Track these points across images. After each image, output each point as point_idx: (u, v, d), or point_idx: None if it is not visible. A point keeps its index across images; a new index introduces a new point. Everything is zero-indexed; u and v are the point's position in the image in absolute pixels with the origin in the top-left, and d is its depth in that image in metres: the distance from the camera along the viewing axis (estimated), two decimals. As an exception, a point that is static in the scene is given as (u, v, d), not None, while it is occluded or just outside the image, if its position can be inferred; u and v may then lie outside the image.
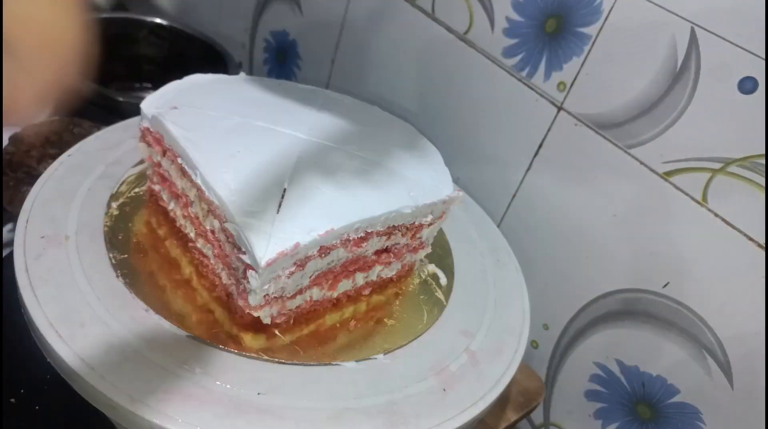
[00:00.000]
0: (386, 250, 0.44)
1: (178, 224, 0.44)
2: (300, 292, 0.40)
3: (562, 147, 0.55)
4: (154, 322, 0.38)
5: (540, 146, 0.57)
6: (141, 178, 0.48)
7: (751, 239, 0.44)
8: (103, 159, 0.48)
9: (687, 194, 0.47)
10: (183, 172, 0.40)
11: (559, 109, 0.54)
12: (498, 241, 0.55)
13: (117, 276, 0.40)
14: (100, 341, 0.35)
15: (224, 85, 0.48)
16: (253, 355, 0.38)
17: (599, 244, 0.54)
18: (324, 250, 0.38)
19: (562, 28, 0.52)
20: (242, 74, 0.50)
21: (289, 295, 0.39)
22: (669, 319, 0.50)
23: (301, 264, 0.37)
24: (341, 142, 0.44)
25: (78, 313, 0.36)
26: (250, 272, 0.35)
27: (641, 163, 0.49)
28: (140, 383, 0.33)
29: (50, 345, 0.34)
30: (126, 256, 0.41)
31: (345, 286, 0.43)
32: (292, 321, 0.41)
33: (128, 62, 0.83)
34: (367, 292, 0.45)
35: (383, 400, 0.37)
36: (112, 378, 0.33)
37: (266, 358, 0.38)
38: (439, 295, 0.47)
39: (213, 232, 0.39)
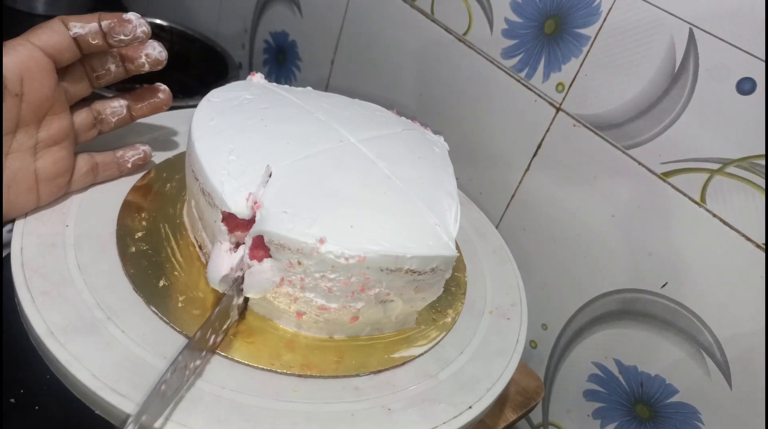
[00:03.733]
0: None
1: (177, 221, 0.45)
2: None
3: (561, 148, 0.55)
4: (154, 324, 0.37)
5: (539, 147, 0.57)
6: (142, 178, 0.48)
7: (749, 239, 0.45)
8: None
9: (685, 195, 0.47)
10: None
11: (558, 109, 0.54)
12: (496, 242, 0.56)
13: (117, 277, 0.39)
14: (100, 343, 0.35)
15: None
16: (262, 366, 0.37)
17: (598, 245, 0.54)
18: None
19: (561, 29, 0.53)
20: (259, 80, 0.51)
21: None
22: (667, 319, 0.50)
23: None
24: (384, 159, 0.44)
25: (76, 314, 0.36)
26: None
27: (640, 163, 0.50)
28: (139, 385, 0.33)
29: (47, 348, 0.34)
30: (126, 257, 0.41)
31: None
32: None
33: (128, 63, 0.83)
34: None
35: (381, 402, 0.37)
36: (110, 380, 0.33)
37: (275, 369, 0.38)
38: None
39: None
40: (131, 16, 0.40)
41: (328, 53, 0.77)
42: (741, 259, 0.45)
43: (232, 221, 0.38)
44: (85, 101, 0.43)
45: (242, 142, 0.41)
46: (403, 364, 0.41)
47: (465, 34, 0.61)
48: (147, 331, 0.37)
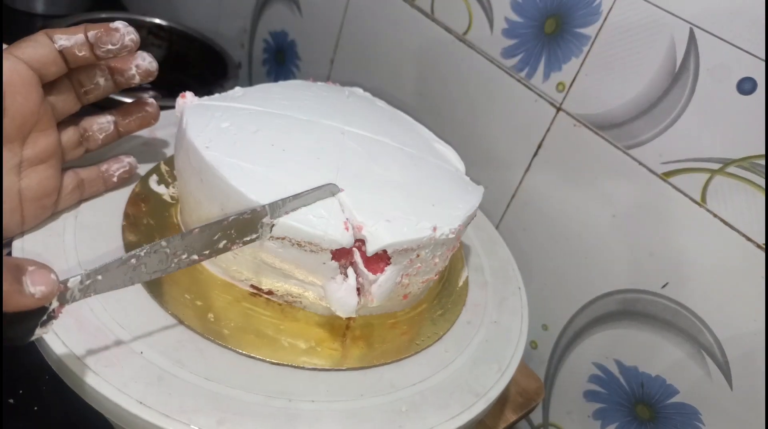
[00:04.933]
0: None
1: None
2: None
3: (561, 147, 0.55)
4: (155, 320, 0.37)
5: (539, 147, 0.57)
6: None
7: (749, 240, 0.44)
8: (102, 158, 0.48)
9: (686, 195, 0.47)
10: None
11: (558, 109, 0.54)
12: (496, 242, 0.55)
13: (117, 275, 0.39)
14: (99, 341, 0.35)
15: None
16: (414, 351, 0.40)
17: (598, 245, 0.54)
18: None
19: (561, 28, 0.52)
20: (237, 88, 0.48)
21: None
22: (668, 320, 0.50)
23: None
24: (380, 133, 0.47)
25: (77, 312, 0.36)
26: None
27: (640, 163, 0.49)
28: (140, 384, 0.33)
29: (48, 345, 0.34)
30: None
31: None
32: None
33: (127, 62, 0.83)
34: None
35: (381, 401, 0.37)
36: (111, 378, 0.33)
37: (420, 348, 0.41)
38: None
39: None
40: (119, 24, 0.38)
41: (327, 53, 0.77)
42: (742, 259, 0.45)
43: (340, 254, 0.38)
44: (71, 118, 0.41)
45: (284, 178, 0.39)
46: (469, 286, 0.48)
47: (465, 33, 0.60)
48: (145, 325, 0.36)
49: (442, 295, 0.47)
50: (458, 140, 0.63)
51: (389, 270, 0.38)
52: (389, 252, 0.38)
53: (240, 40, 0.91)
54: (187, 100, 0.44)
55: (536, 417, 0.63)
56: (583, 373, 0.57)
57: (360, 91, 0.54)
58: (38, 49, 0.36)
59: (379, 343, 0.41)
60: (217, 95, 0.46)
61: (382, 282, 0.38)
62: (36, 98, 0.36)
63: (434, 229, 0.39)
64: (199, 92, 0.46)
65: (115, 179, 0.44)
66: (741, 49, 0.42)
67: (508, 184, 0.60)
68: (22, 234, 0.39)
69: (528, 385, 0.53)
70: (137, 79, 0.41)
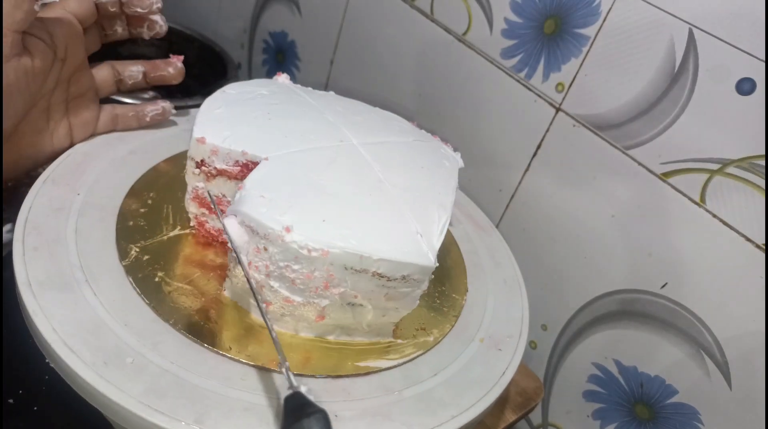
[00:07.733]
0: None
1: (181, 204, 0.45)
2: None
3: (561, 148, 0.55)
4: (127, 293, 0.38)
5: (538, 147, 0.57)
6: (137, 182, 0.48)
7: (749, 240, 0.45)
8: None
9: (685, 195, 0.47)
10: None
11: (558, 110, 0.54)
12: (509, 272, 0.53)
13: (106, 245, 0.40)
14: (69, 301, 0.36)
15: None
16: (218, 350, 0.37)
17: (597, 245, 0.54)
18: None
19: (561, 29, 0.53)
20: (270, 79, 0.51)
21: None
22: (667, 320, 0.50)
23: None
24: (381, 163, 0.44)
25: (57, 272, 0.37)
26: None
27: (639, 163, 0.50)
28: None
29: (22, 298, 0.35)
30: (122, 229, 0.42)
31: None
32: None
33: (127, 63, 0.83)
34: None
35: (330, 407, 0.36)
36: (67, 336, 0.34)
37: (231, 355, 0.38)
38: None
39: None
40: None
41: (327, 53, 0.77)
42: (741, 259, 0.45)
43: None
44: (109, 62, 0.49)
45: (240, 131, 0.42)
46: (367, 374, 0.39)
47: (464, 34, 0.60)
48: (118, 298, 0.38)
49: (440, 296, 0.46)
50: (458, 140, 0.63)
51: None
52: (238, 221, 0.37)
53: (240, 40, 0.91)
54: (280, 78, 0.52)
55: (536, 417, 0.63)
56: (582, 373, 0.57)
57: (450, 150, 0.50)
58: (82, 4, 0.44)
59: (220, 328, 0.39)
60: (309, 88, 0.51)
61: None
62: (81, 44, 0.45)
63: (287, 229, 0.35)
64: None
65: (148, 119, 0.51)
66: (740, 49, 0.42)
67: (507, 184, 0.60)
68: (44, 179, 0.44)
69: (527, 385, 0.53)
70: (146, 36, 0.49)
